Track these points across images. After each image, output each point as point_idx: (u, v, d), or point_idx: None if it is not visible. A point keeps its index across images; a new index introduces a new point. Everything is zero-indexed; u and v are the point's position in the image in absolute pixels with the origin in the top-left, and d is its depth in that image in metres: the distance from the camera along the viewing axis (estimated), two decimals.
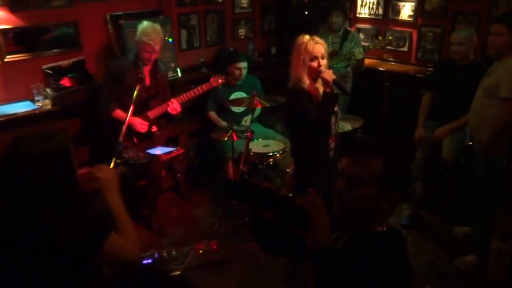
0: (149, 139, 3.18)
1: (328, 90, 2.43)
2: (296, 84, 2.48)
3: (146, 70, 3.08)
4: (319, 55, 2.44)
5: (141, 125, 3.07)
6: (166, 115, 3.24)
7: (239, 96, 3.67)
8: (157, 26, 2.99)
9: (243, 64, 3.68)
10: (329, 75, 2.40)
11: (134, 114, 3.02)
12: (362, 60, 3.80)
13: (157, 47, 2.94)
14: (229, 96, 3.70)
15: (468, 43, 3.08)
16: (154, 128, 3.19)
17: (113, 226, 1.46)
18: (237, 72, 3.68)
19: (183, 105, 3.21)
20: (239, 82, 3.77)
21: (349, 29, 4.05)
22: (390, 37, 3.92)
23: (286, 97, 2.57)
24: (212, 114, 3.80)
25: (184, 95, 3.20)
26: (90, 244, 1.36)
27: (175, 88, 3.63)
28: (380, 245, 1.21)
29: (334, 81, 2.44)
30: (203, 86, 3.27)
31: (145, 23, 2.98)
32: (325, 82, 2.42)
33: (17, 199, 1.35)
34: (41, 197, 1.35)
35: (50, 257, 1.32)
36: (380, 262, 1.16)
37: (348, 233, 1.30)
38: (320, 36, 3.87)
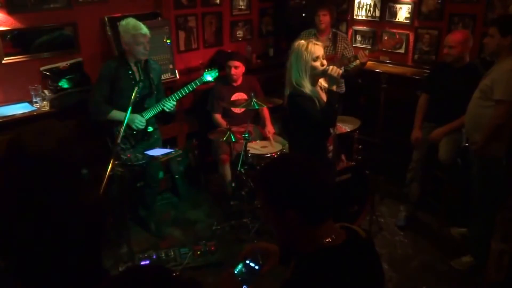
0: (145, 140, 3.17)
1: (333, 88, 2.43)
2: (296, 89, 2.46)
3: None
4: (320, 54, 2.46)
5: (140, 122, 3.05)
6: (162, 115, 3.24)
7: (239, 97, 3.69)
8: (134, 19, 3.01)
9: (235, 63, 3.70)
10: (335, 71, 2.40)
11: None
12: (365, 63, 3.73)
13: (149, 35, 2.95)
14: (230, 97, 3.72)
15: (459, 46, 3.08)
16: (150, 129, 3.19)
17: None
18: (228, 70, 3.70)
19: (178, 101, 3.21)
20: (238, 83, 3.79)
21: (335, 30, 3.96)
22: (385, 37, 3.88)
23: (287, 102, 2.55)
24: (219, 117, 3.81)
25: (179, 91, 3.20)
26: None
27: (173, 90, 3.63)
28: (328, 261, 1.10)
29: (342, 75, 2.46)
30: (196, 80, 3.27)
31: (124, 22, 2.98)
32: (333, 80, 2.42)
33: None
34: None
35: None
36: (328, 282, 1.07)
37: (294, 259, 1.21)
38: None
